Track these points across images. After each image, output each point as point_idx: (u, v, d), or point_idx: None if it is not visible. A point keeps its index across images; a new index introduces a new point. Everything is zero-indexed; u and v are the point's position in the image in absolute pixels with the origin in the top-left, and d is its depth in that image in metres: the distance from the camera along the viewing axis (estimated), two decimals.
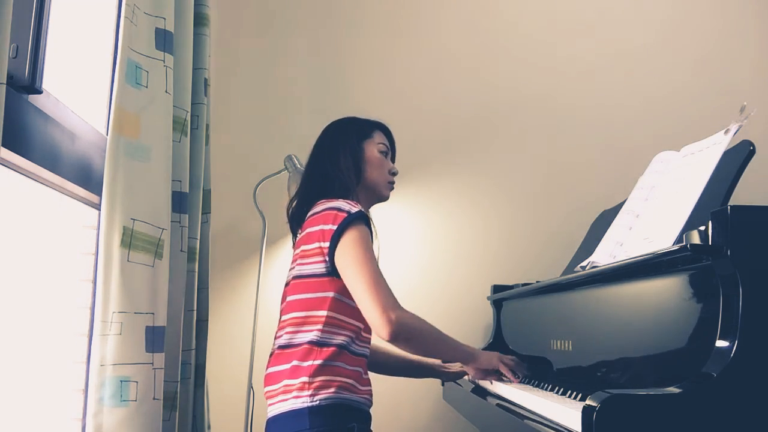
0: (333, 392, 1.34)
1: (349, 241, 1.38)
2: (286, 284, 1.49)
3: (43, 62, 1.15)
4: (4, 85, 0.89)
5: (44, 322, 1.39)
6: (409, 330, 1.34)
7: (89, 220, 1.50)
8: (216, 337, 2.16)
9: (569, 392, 1.22)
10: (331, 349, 1.37)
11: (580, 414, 0.89)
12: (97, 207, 1.37)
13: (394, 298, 1.36)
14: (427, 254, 2.37)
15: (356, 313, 1.40)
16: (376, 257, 1.62)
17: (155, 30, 1.43)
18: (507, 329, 2.00)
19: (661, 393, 0.88)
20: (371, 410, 1.45)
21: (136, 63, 1.36)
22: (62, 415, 1.43)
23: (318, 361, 1.35)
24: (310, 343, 1.37)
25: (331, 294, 1.40)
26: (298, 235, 1.53)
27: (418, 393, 2.25)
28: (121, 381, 1.25)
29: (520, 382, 1.49)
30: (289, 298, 1.45)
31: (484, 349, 2.00)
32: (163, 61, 1.44)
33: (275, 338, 1.47)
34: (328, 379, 1.35)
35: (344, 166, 1.54)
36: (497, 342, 2.01)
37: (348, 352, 1.39)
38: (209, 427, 1.81)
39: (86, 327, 1.45)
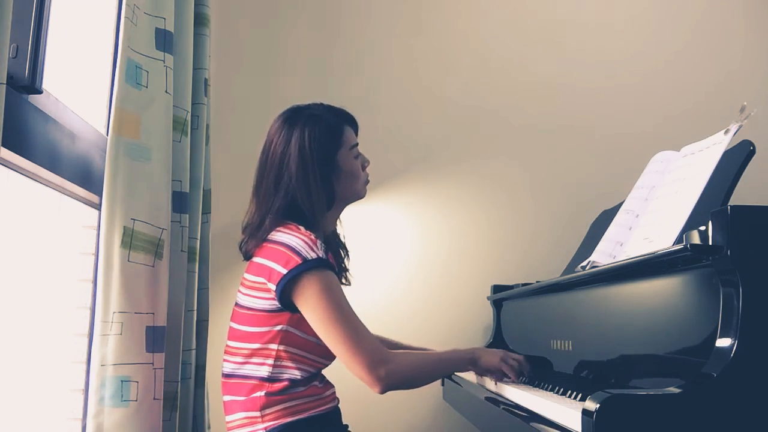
0: (290, 418, 1.30)
1: (313, 294, 1.28)
2: (236, 303, 1.40)
3: (43, 62, 1.15)
4: (4, 85, 0.89)
5: (44, 322, 1.39)
6: (400, 379, 1.32)
7: (89, 220, 1.50)
8: (216, 337, 2.16)
9: (569, 392, 1.22)
10: (283, 383, 1.31)
11: (580, 414, 0.89)
12: (97, 207, 1.37)
13: (378, 348, 1.30)
14: (427, 254, 2.36)
15: (310, 345, 1.34)
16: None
17: (155, 30, 1.43)
18: (507, 329, 2.00)
19: (661, 393, 0.88)
20: (343, 403, 1.43)
21: (136, 63, 1.36)
22: (62, 415, 1.43)
23: (268, 393, 1.30)
24: (261, 379, 1.32)
25: (279, 327, 1.32)
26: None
27: (418, 393, 2.24)
28: (121, 381, 1.25)
29: (521, 382, 1.48)
30: (237, 326, 1.37)
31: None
32: (163, 61, 1.44)
33: (223, 361, 1.38)
34: (283, 407, 1.30)
35: (315, 193, 1.38)
36: (497, 342, 2.01)
37: (301, 384, 1.33)
38: (209, 427, 1.81)
39: (86, 327, 1.45)
